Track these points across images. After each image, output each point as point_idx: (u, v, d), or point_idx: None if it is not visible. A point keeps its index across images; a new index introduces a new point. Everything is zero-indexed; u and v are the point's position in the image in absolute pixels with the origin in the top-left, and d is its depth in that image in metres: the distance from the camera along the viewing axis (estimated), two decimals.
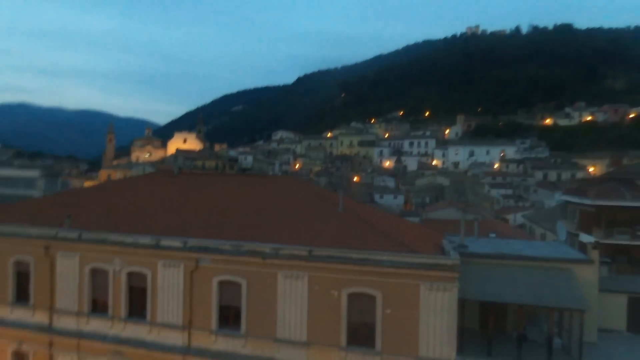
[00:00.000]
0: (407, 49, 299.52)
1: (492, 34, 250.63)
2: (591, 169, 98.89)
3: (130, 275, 16.81)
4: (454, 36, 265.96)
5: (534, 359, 15.07)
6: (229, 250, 15.64)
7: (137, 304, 16.76)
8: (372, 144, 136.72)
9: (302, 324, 14.92)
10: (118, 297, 16.85)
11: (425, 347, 13.87)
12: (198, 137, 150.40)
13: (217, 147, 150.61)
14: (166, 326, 16.22)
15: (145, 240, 16.47)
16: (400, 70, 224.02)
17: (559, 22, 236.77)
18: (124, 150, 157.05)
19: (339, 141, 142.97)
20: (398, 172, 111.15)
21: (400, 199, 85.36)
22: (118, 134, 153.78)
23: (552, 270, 16.81)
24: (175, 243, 16.16)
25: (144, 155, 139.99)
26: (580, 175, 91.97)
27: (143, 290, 16.64)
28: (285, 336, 15.08)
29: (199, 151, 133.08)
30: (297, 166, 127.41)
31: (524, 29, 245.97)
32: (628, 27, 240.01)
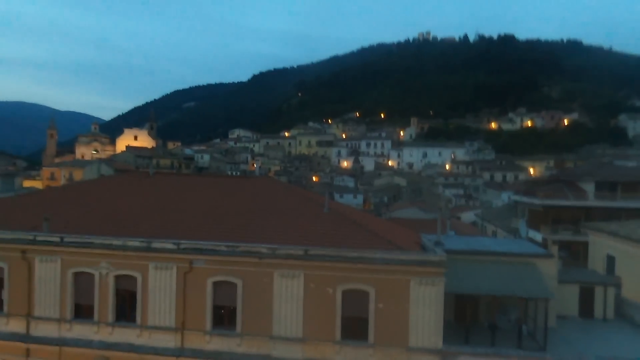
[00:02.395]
0: (363, 51, 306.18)
1: (443, 40, 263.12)
2: (531, 171, 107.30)
3: (118, 278, 16.46)
4: (407, 41, 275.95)
5: (506, 345, 16.72)
6: (224, 251, 15.85)
7: (126, 307, 16.46)
8: (330, 144, 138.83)
9: (298, 320, 15.50)
10: (105, 302, 16.44)
11: (414, 337, 14.99)
12: (150, 134, 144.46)
13: (170, 145, 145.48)
14: (158, 329, 16.10)
15: (135, 242, 16.22)
16: (356, 72, 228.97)
17: (502, 33, 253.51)
18: (66, 147, 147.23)
19: (298, 141, 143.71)
20: (356, 172, 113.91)
21: (360, 199, 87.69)
22: (58, 129, 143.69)
23: (519, 264, 18.66)
24: (168, 245, 16.09)
25: (90, 152, 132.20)
26: (522, 176, 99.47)
27: (132, 294, 16.38)
28: (280, 333, 15.58)
29: (152, 149, 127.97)
30: (255, 165, 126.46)
31: (471, 38, 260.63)
32: (562, 40, 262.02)
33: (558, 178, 44.32)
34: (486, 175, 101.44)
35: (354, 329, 15.41)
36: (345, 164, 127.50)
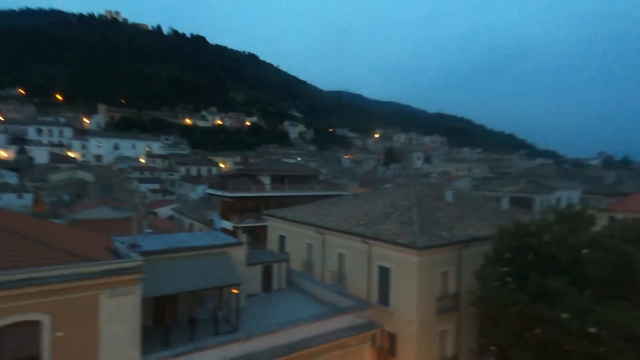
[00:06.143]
0: (29, 13, 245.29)
1: (135, 25, 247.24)
2: (222, 165, 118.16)
3: None
4: (91, 16, 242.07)
5: (205, 335, 17.34)
6: None
7: None
8: None
9: None
10: None
11: (107, 356, 13.03)
12: None
13: None
14: None
15: None
16: (20, 39, 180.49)
17: (195, 33, 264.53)
18: None
19: None
20: (22, 165, 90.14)
21: (28, 198, 70.31)
22: None
23: (214, 256, 19.72)
24: None
25: None
26: (214, 170, 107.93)
27: None
28: None
29: None
30: None
31: (165, 30, 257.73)
32: (244, 52, 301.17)
33: (243, 172, 50.53)
34: (182, 170, 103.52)
35: None
36: (3, 154, 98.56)
